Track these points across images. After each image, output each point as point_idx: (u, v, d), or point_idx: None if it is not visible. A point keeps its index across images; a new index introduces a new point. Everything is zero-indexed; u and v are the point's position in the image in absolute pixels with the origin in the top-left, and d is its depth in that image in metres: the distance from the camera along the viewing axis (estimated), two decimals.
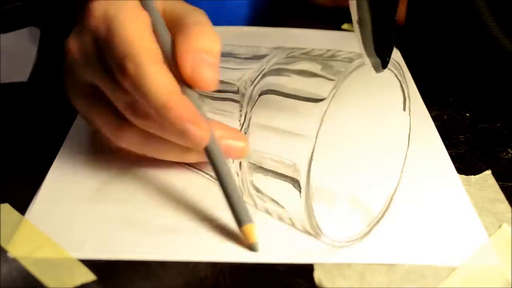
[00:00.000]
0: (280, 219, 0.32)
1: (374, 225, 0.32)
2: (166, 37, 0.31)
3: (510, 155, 0.40)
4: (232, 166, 0.32)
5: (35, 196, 0.34)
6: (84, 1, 0.32)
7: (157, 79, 0.29)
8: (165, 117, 0.28)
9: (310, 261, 0.30)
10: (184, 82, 0.30)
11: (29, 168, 0.37)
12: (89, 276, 0.29)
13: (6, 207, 0.33)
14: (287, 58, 0.32)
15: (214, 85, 0.30)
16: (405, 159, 0.34)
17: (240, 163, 0.32)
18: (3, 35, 0.51)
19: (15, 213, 0.33)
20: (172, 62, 0.30)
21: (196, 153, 0.33)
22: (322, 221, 0.29)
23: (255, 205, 0.33)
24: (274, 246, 0.31)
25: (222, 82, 0.33)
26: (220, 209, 0.33)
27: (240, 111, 0.32)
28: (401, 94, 0.32)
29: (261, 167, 0.30)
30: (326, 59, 0.30)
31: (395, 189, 0.33)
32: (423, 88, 0.46)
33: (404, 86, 0.32)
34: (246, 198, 0.32)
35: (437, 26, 0.49)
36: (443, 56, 0.50)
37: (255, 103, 0.31)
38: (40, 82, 0.47)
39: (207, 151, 0.30)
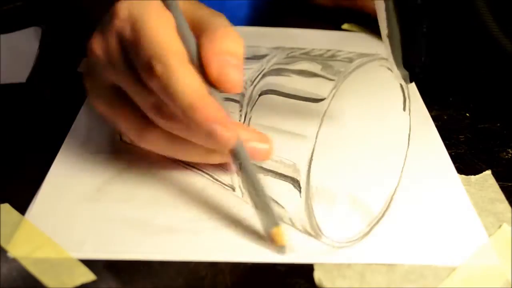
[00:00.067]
0: (280, 219, 0.32)
1: (374, 225, 0.32)
2: (191, 38, 0.30)
3: (510, 155, 0.40)
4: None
5: (35, 196, 0.34)
6: (107, 2, 0.32)
7: (185, 79, 0.28)
8: (192, 117, 0.28)
9: (310, 261, 0.30)
10: (210, 83, 0.29)
11: (29, 168, 0.37)
12: (89, 276, 0.29)
13: (6, 207, 0.33)
14: (287, 58, 0.32)
15: (240, 87, 0.29)
16: (405, 159, 0.34)
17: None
18: (3, 35, 0.51)
19: (15, 213, 0.33)
20: (197, 63, 0.30)
21: (220, 155, 0.32)
22: (322, 221, 0.29)
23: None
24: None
25: None
26: (220, 209, 0.33)
27: (240, 111, 0.32)
28: (401, 94, 0.32)
29: (261, 167, 0.30)
30: (326, 59, 0.30)
31: (395, 189, 0.33)
32: (423, 88, 0.46)
33: (404, 86, 0.32)
34: (246, 198, 0.32)
35: (437, 26, 0.49)
36: (443, 56, 0.50)
37: (255, 103, 0.31)
38: (39, 82, 0.47)
39: (233, 153, 0.30)
